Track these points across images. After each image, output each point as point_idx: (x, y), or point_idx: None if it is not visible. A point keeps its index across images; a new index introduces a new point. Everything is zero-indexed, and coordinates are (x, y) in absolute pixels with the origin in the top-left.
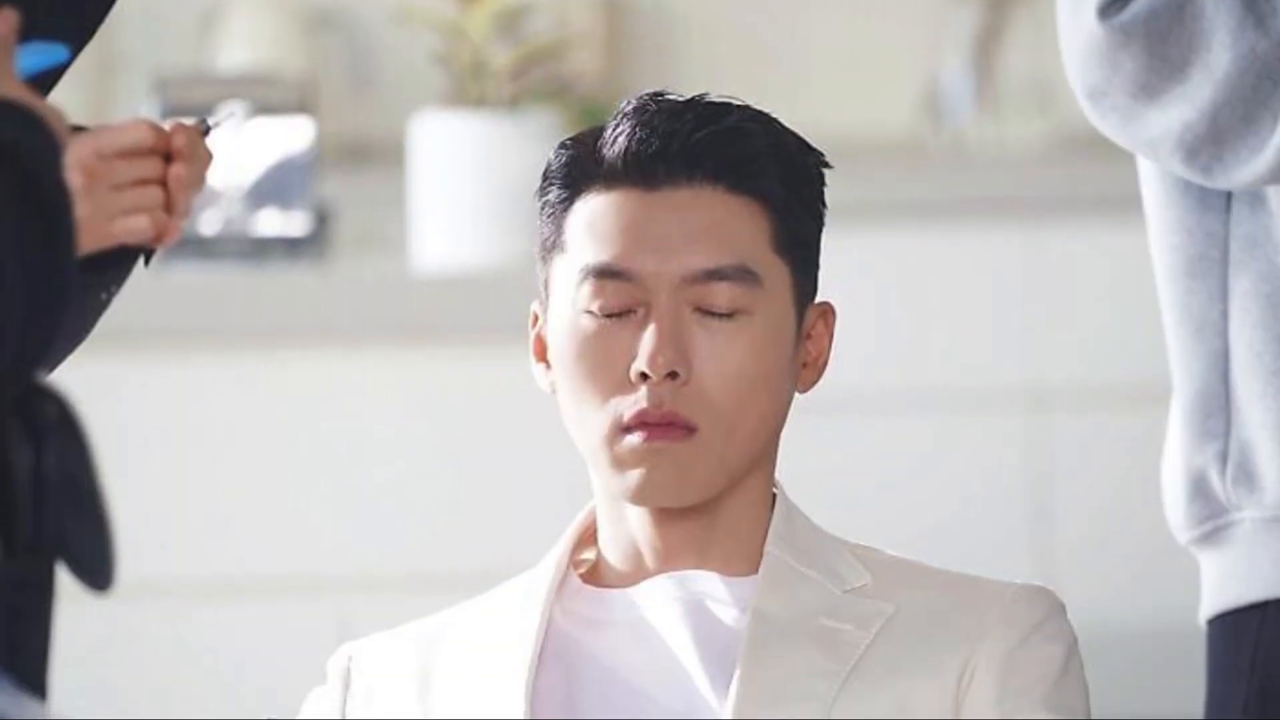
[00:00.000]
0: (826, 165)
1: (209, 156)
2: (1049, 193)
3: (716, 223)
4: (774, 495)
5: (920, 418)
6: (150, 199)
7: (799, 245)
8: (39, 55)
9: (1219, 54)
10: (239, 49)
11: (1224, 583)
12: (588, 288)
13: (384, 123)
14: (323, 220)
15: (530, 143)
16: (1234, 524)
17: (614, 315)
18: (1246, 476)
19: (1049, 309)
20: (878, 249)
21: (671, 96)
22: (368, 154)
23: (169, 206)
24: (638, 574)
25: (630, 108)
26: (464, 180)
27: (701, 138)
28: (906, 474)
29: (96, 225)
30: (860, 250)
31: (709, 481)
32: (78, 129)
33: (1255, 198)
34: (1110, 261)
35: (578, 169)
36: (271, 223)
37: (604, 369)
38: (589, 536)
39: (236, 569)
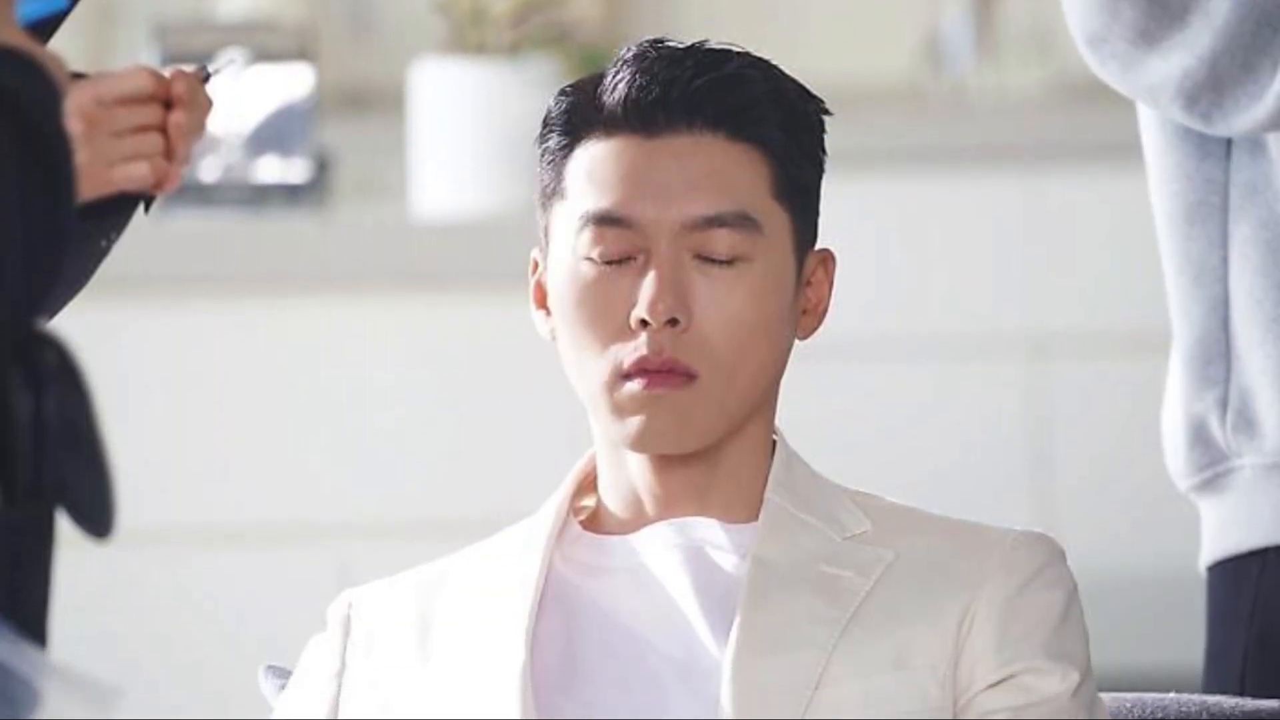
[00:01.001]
0: (827, 112)
1: (209, 103)
2: (1049, 139)
3: (716, 170)
4: (774, 442)
5: (920, 364)
6: (150, 146)
7: (799, 192)
8: (39, 2)
9: (1218, 1)
10: None
11: (1224, 529)
12: (588, 235)
13: (384, 69)
14: (322, 167)
15: (530, 89)
16: (1234, 471)
17: (614, 262)
18: (1246, 423)
19: (1049, 255)
20: (878, 196)
21: (671, 43)
22: (368, 101)
23: (169, 153)
24: (638, 521)
25: (630, 54)
26: (464, 127)
27: (701, 85)
28: (907, 420)
29: (96, 172)
30: (860, 197)
31: (709, 428)
32: (78, 76)
33: (1255, 144)
34: (1110, 208)
35: (578, 116)
36: (271, 170)
37: (604, 316)
38: (589, 483)
39: (237, 516)
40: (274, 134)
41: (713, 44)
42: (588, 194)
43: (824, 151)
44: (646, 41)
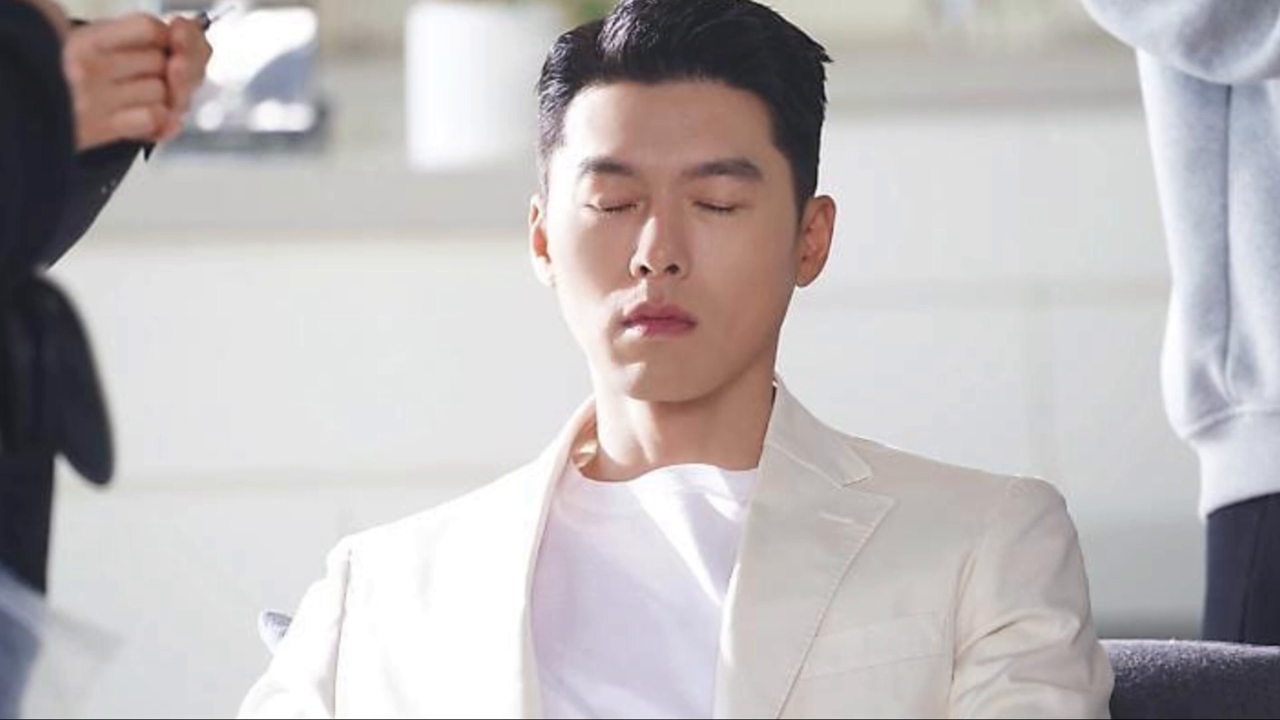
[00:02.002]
0: (826, 59)
1: (209, 50)
2: (1048, 86)
3: (716, 116)
4: (774, 389)
5: (920, 311)
6: (150, 93)
7: (799, 139)
8: None
9: None
10: None
11: (1224, 476)
12: (587, 181)
13: (384, 16)
14: (323, 114)
15: (530, 36)
16: (1234, 418)
17: (614, 209)
18: (1246, 370)
19: (1049, 203)
20: (878, 143)
21: None
22: (368, 47)
23: (169, 101)
24: (638, 468)
25: (630, 1)
26: (464, 74)
27: (701, 31)
28: (906, 367)
29: (96, 119)
30: (861, 144)
31: (709, 375)
32: (77, 23)
33: (1255, 91)
34: (1109, 155)
35: (577, 63)
36: (271, 117)
37: (604, 263)
38: (589, 430)
39: (237, 463)
40: (274, 81)
41: None
42: (588, 141)
43: (824, 98)
44: None
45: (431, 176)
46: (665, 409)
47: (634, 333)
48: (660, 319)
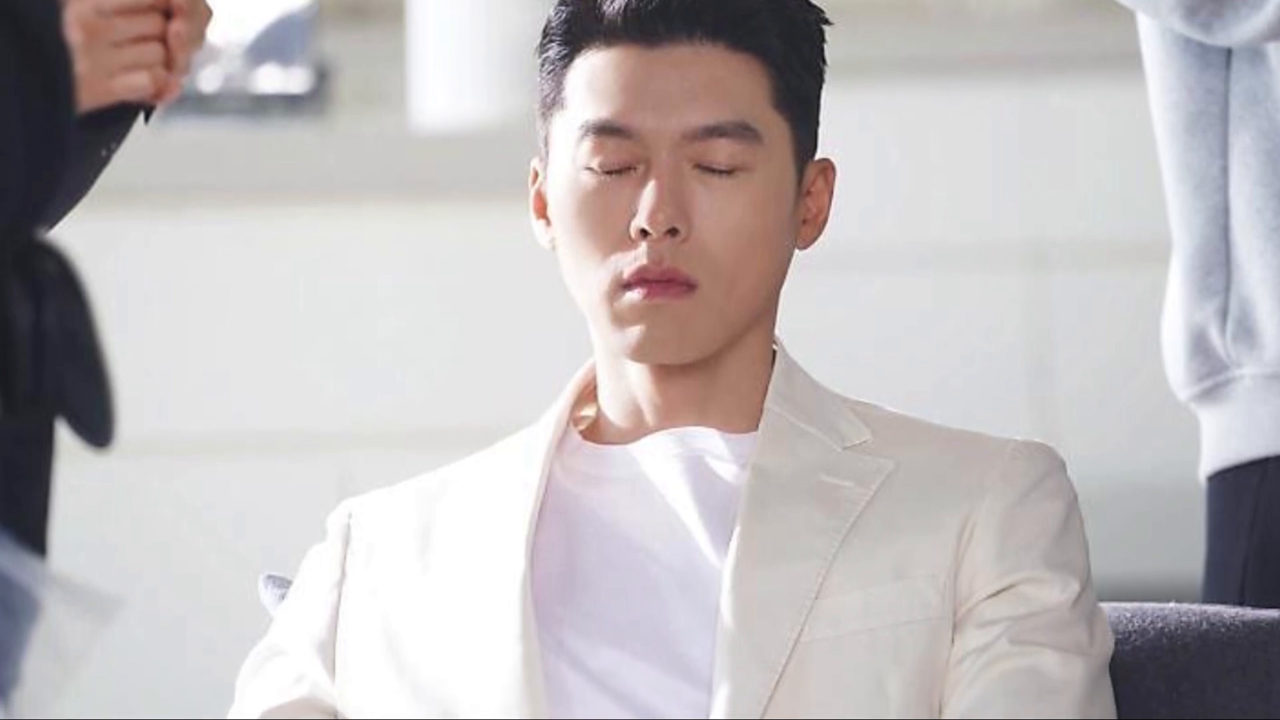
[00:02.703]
0: (827, 22)
1: (209, 13)
2: (1048, 50)
3: (716, 79)
4: (774, 352)
5: (920, 274)
6: (150, 55)
7: (799, 102)
8: None
9: None
10: None
11: (1224, 439)
12: (588, 144)
13: None
14: (323, 77)
15: None
16: (1234, 380)
17: (614, 172)
18: (1246, 333)
19: (1049, 166)
20: (878, 106)
21: None
22: (368, 10)
23: (169, 63)
24: (638, 431)
25: None
26: (464, 37)
27: None
28: (906, 330)
29: (96, 82)
30: (861, 107)
31: (709, 338)
32: None
33: (1255, 54)
34: (1109, 118)
35: (578, 26)
36: (271, 79)
37: (604, 226)
38: (589, 393)
39: (237, 425)
40: (274, 43)
41: None
42: (588, 104)
43: (824, 61)
44: None
45: (432, 139)
46: (665, 372)
47: (634, 295)
48: (660, 282)
